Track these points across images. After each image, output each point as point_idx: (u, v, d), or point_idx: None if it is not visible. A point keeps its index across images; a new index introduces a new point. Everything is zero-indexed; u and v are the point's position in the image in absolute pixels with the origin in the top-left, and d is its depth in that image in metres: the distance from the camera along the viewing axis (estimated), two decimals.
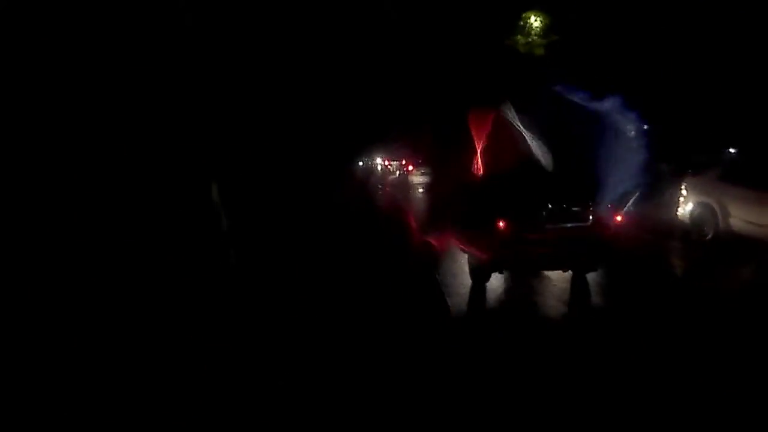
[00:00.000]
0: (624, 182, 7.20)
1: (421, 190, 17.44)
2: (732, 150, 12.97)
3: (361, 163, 41.02)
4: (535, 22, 16.29)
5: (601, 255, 6.32)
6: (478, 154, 6.93)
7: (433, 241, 7.08)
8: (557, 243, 6.02)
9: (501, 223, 5.92)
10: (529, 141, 6.93)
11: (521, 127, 7.03)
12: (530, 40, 16.19)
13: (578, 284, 6.52)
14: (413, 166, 23.74)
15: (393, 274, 6.23)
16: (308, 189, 16.90)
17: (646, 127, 12.46)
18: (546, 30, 16.20)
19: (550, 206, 6.02)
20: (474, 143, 7.45)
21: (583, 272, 6.57)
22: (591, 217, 6.17)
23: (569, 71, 13.49)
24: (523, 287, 6.71)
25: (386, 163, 39.49)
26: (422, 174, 18.92)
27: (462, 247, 7.44)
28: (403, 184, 22.76)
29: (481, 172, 7.01)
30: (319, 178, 19.79)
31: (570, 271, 6.58)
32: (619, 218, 6.45)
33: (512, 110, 7.27)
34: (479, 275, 6.54)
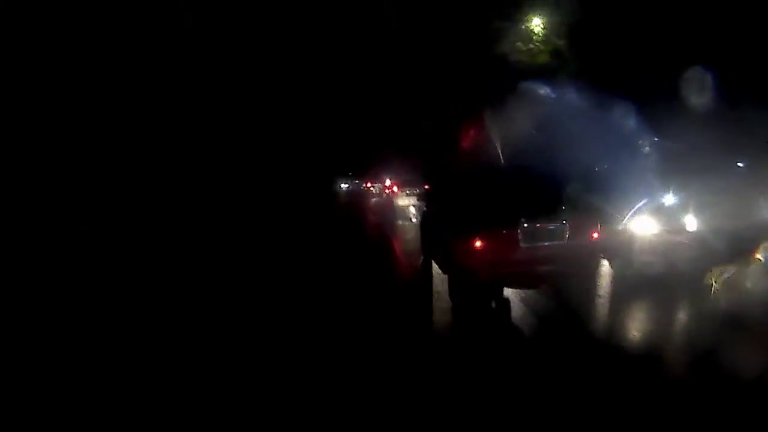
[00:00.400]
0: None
1: (411, 212, 16.99)
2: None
3: (344, 186, 40.57)
4: (536, 27, 14.53)
5: (579, 272, 6.36)
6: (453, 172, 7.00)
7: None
8: (533, 262, 6.05)
9: (476, 243, 5.95)
10: (506, 156, 7.00)
11: (499, 143, 7.09)
12: (532, 46, 14.60)
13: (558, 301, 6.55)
14: (398, 187, 22.70)
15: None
16: (291, 209, 16.86)
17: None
18: (551, 34, 14.47)
19: (525, 225, 6.06)
20: (453, 161, 7.51)
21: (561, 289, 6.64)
22: (567, 235, 6.22)
23: (576, 79, 12.30)
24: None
25: (368, 185, 38.64)
26: (409, 195, 18.38)
27: (440, 267, 7.48)
28: (388, 206, 21.92)
29: (457, 190, 7.07)
30: (301, 200, 19.74)
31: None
32: (596, 236, 6.51)
33: (495, 126, 7.33)
34: (458, 295, 6.55)
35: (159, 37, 10.84)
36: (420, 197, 12.50)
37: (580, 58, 13.68)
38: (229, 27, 12.94)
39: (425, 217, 9.36)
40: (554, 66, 14.20)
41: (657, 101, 10.92)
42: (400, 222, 16.40)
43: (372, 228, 16.45)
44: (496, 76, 13.89)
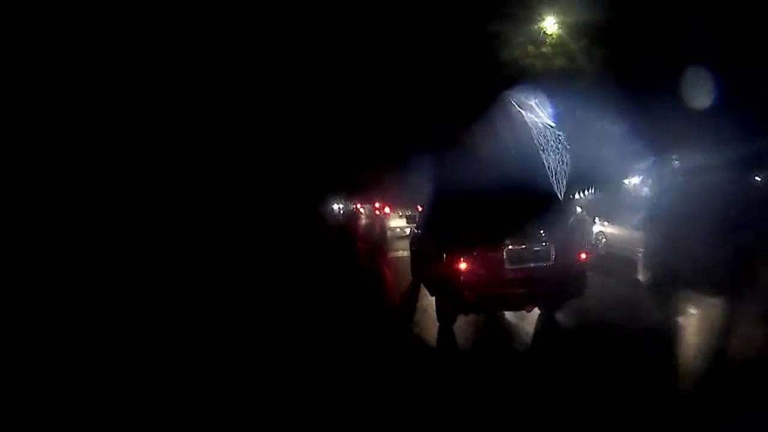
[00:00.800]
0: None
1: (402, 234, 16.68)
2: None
3: (336, 207, 40.08)
4: (550, 27, 12.69)
5: (566, 293, 6.29)
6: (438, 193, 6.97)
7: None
8: (519, 283, 5.99)
9: (461, 266, 5.90)
10: (492, 177, 6.99)
11: (486, 162, 7.10)
12: (544, 50, 12.90)
13: (546, 323, 6.49)
14: (390, 208, 22.17)
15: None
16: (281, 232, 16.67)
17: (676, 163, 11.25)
18: (568, 35, 12.61)
19: (510, 247, 6.01)
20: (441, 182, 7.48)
21: (549, 310, 6.59)
22: (553, 256, 6.16)
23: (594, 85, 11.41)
24: (491, 325, 6.69)
25: (358, 206, 38.27)
26: (401, 217, 18.04)
27: (428, 289, 7.42)
28: (378, 228, 21.56)
29: (442, 212, 7.05)
30: (291, 222, 19.50)
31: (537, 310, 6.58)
32: (583, 256, 6.47)
33: (484, 144, 7.32)
34: (445, 317, 6.50)
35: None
36: (410, 219, 12.34)
37: (599, 61, 12.24)
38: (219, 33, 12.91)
39: (414, 239, 9.32)
40: (571, 71, 12.58)
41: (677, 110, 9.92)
42: (389, 244, 16.32)
43: (361, 250, 16.32)
44: (498, 87, 13.13)
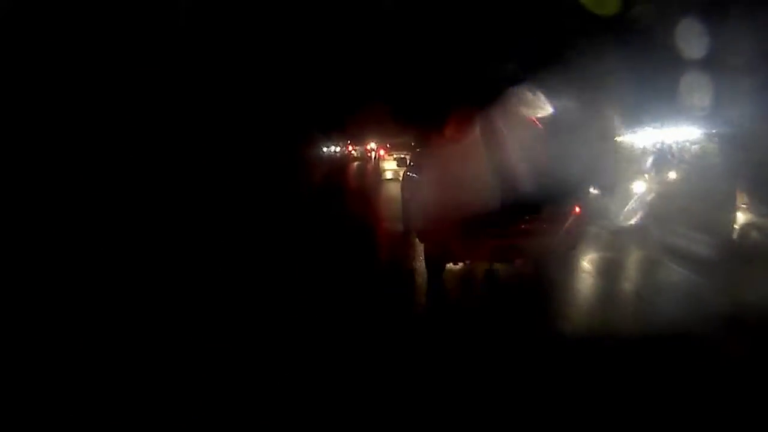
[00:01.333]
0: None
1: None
2: None
3: (327, 149, 37.20)
4: None
5: (559, 247, 6.14)
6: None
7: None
8: (512, 237, 5.83)
9: (450, 215, 5.71)
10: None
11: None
12: None
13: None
14: (385, 150, 21.45)
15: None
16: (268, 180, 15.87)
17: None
18: None
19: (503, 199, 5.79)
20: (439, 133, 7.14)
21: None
22: (548, 212, 5.97)
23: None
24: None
25: (348, 148, 36.30)
26: (396, 159, 17.62)
27: (419, 237, 7.26)
28: (371, 172, 21.10)
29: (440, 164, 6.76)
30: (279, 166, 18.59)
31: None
32: (578, 209, 6.27)
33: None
34: (434, 267, 6.38)
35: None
36: (400, 162, 11.88)
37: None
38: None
39: (405, 185, 9.09)
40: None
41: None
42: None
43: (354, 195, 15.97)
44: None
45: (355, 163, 29.10)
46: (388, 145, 23.84)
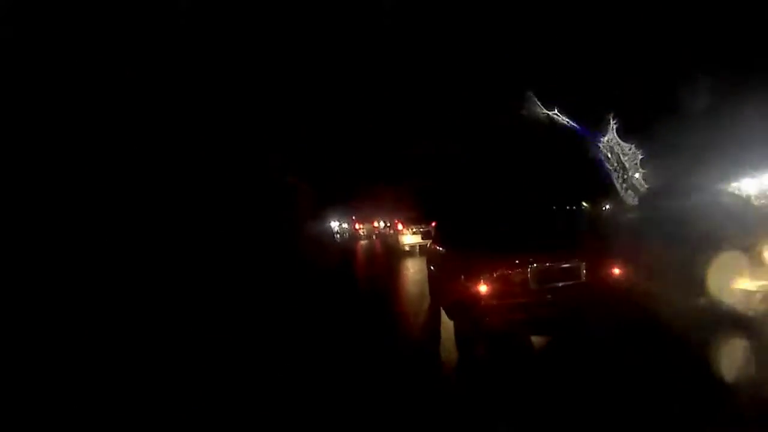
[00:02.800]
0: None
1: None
2: None
3: (335, 225, 35.62)
4: None
5: (601, 314, 5.58)
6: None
7: None
8: (547, 305, 5.33)
9: (482, 287, 5.28)
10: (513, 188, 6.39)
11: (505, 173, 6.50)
12: None
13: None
14: (403, 225, 20.61)
15: None
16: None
17: None
18: None
19: (535, 265, 5.36)
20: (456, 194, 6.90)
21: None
22: (584, 273, 5.49)
23: None
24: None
25: (356, 225, 35.33)
26: (415, 233, 17.01)
27: (446, 313, 6.78)
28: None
29: (460, 227, 6.45)
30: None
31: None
32: (617, 272, 5.77)
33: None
34: (465, 344, 5.84)
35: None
36: (424, 236, 11.66)
37: None
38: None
39: (430, 258, 8.71)
40: None
41: None
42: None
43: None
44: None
45: (362, 242, 28.49)
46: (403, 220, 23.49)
